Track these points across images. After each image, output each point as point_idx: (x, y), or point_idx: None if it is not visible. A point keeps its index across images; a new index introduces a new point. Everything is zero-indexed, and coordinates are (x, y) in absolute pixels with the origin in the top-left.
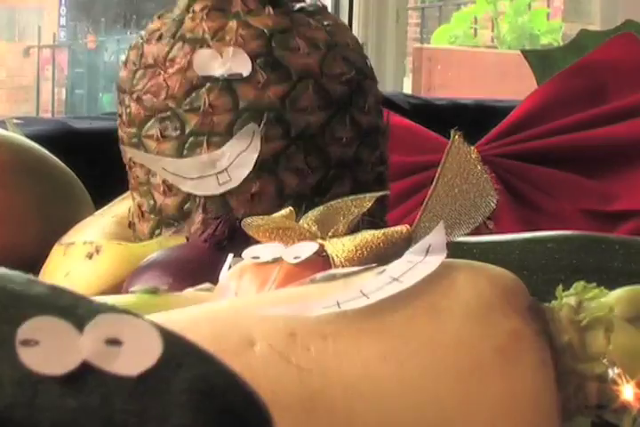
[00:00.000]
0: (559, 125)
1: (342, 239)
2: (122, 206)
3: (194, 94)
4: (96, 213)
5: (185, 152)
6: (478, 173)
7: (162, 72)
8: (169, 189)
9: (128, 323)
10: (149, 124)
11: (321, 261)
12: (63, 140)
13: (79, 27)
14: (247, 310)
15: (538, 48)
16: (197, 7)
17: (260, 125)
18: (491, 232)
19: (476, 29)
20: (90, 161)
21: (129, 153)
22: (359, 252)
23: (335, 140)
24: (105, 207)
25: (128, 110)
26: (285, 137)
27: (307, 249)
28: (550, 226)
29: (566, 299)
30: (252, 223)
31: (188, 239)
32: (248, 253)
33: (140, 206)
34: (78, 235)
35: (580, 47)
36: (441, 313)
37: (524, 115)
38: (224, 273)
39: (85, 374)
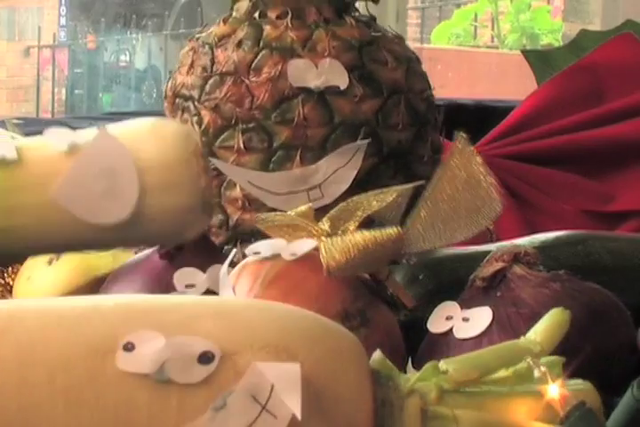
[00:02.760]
0: (559, 126)
1: (337, 239)
2: None
3: (285, 105)
4: None
5: (272, 166)
6: (481, 177)
7: (245, 80)
8: (249, 203)
9: None
10: (226, 134)
11: (317, 257)
12: None
13: (79, 27)
14: None
15: (538, 48)
16: (272, 14)
17: (356, 141)
18: (490, 233)
19: (476, 27)
20: None
21: (220, 167)
22: (347, 253)
23: (419, 159)
24: None
25: (195, 118)
26: (378, 154)
27: (304, 246)
28: (550, 226)
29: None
30: (264, 219)
31: (135, 253)
32: (252, 248)
33: None
34: None
35: (581, 47)
36: None
37: (524, 115)
38: (224, 268)
39: None
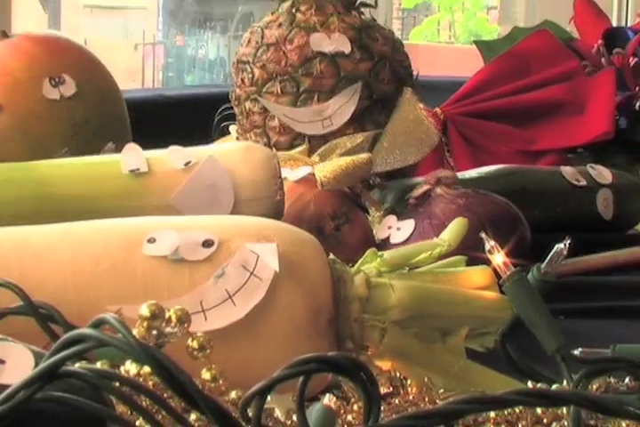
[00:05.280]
0: (499, 92)
1: (325, 164)
2: None
3: (308, 64)
4: None
5: (298, 104)
6: (423, 118)
7: (282, 48)
8: (284, 129)
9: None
10: (269, 84)
11: (311, 179)
12: (155, 104)
13: (171, 29)
14: None
15: (485, 39)
16: (303, 7)
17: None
18: (452, 169)
19: (438, 30)
20: (177, 122)
21: (265, 104)
22: (334, 171)
23: (394, 105)
24: None
25: (250, 75)
26: (369, 99)
27: (304, 171)
28: (493, 163)
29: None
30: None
31: None
32: None
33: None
34: None
35: (514, 39)
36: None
37: (474, 85)
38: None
39: None
